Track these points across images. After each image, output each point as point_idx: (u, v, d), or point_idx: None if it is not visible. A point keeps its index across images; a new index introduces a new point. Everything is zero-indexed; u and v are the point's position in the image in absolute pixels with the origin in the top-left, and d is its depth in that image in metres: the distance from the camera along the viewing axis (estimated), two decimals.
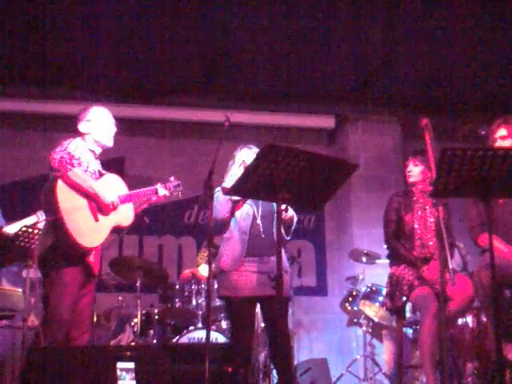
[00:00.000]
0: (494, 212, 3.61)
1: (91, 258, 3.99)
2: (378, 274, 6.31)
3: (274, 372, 5.20)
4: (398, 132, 7.84)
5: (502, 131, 4.28)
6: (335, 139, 8.07)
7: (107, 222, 4.06)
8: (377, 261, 6.44)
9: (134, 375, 3.36)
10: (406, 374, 5.32)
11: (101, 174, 4.18)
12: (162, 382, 3.49)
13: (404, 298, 4.37)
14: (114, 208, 4.06)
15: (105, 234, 4.04)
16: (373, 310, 6.29)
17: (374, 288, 6.16)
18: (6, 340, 5.16)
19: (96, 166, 4.14)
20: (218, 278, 4.27)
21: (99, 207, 4.01)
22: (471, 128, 6.28)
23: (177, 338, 5.48)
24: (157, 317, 5.84)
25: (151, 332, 5.78)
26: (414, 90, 7.33)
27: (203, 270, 6.00)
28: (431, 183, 4.42)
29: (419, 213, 4.52)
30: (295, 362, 6.24)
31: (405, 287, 4.34)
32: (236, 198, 4.11)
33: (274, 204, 3.78)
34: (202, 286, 5.84)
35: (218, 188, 4.14)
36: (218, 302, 5.82)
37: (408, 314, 5.41)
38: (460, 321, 5.01)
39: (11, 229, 4.54)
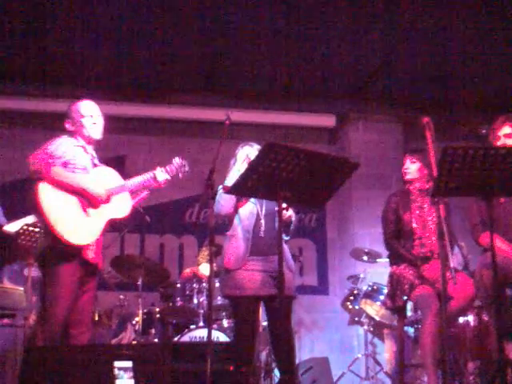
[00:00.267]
0: (495, 211, 3.60)
1: (90, 255, 3.94)
2: (379, 272, 6.30)
3: (276, 371, 5.21)
4: (399, 131, 7.84)
5: (507, 129, 4.24)
6: (336, 138, 8.08)
7: (100, 216, 3.99)
8: (378, 259, 6.44)
9: (132, 374, 3.35)
10: (408, 373, 5.31)
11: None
12: (161, 381, 3.48)
13: (405, 298, 4.36)
14: (105, 201, 4.01)
15: (99, 229, 3.98)
16: (374, 309, 6.29)
17: (375, 287, 6.17)
18: (8, 338, 5.18)
19: (86, 161, 4.08)
20: (222, 277, 4.27)
21: (89, 202, 3.96)
22: (471, 128, 6.27)
23: (178, 336, 5.48)
24: (158, 315, 5.84)
25: (152, 331, 5.79)
26: (414, 90, 7.33)
27: (204, 269, 6.00)
28: (429, 180, 4.44)
29: (417, 212, 4.50)
30: (297, 361, 6.24)
31: (405, 286, 4.33)
32: None
33: None
34: (203, 284, 5.84)
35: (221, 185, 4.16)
36: (219, 301, 5.83)
37: (409, 313, 5.42)
38: (461, 320, 5.01)
39: (12, 227, 4.55)
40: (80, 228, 3.88)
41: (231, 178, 4.15)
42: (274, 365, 5.26)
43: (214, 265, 4.18)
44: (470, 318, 4.99)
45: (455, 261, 5.02)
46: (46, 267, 3.93)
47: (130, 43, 6.39)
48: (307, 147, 3.47)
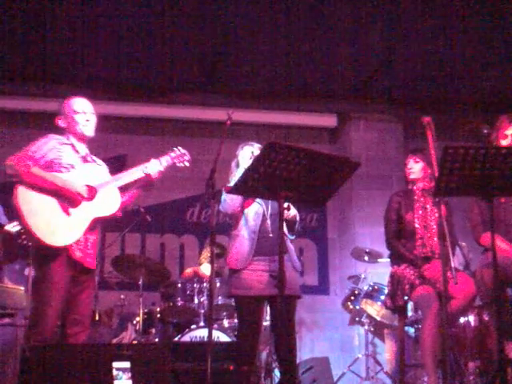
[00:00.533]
0: (495, 211, 3.60)
1: (77, 254, 3.81)
2: (380, 272, 6.30)
3: (276, 371, 5.21)
4: (399, 130, 7.84)
5: None
6: (337, 138, 8.07)
7: (83, 215, 3.86)
8: (379, 259, 6.44)
9: (130, 375, 3.32)
10: (408, 373, 5.31)
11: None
12: (161, 381, 3.47)
13: (405, 298, 4.36)
14: (88, 198, 3.88)
15: (82, 228, 3.83)
16: (375, 309, 6.29)
17: (375, 287, 6.17)
18: (8, 338, 5.18)
19: (74, 159, 3.98)
20: (228, 277, 4.26)
21: (69, 201, 3.83)
22: (471, 128, 6.27)
23: (179, 336, 5.48)
24: (159, 315, 5.85)
25: (153, 330, 5.79)
26: (414, 89, 7.34)
27: (205, 269, 6.00)
28: (432, 180, 4.44)
29: (420, 212, 4.50)
30: (297, 361, 6.24)
31: (406, 286, 4.33)
32: None
33: None
34: (204, 284, 5.83)
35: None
36: (220, 301, 5.83)
37: (410, 313, 5.42)
38: (462, 319, 5.02)
39: (13, 227, 4.55)
40: (60, 229, 3.76)
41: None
42: (274, 365, 5.25)
43: (216, 265, 4.18)
44: (471, 318, 4.99)
45: (456, 261, 5.03)
46: (35, 268, 3.90)
47: (130, 43, 6.38)
48: (308, 147, 3.46)
